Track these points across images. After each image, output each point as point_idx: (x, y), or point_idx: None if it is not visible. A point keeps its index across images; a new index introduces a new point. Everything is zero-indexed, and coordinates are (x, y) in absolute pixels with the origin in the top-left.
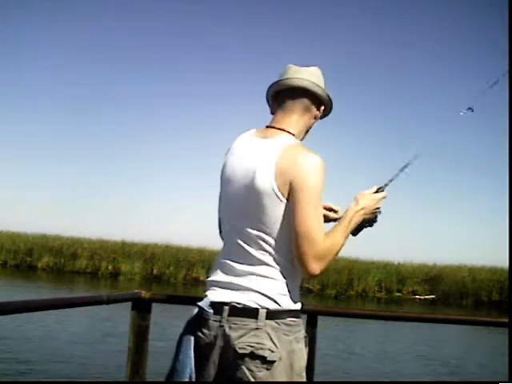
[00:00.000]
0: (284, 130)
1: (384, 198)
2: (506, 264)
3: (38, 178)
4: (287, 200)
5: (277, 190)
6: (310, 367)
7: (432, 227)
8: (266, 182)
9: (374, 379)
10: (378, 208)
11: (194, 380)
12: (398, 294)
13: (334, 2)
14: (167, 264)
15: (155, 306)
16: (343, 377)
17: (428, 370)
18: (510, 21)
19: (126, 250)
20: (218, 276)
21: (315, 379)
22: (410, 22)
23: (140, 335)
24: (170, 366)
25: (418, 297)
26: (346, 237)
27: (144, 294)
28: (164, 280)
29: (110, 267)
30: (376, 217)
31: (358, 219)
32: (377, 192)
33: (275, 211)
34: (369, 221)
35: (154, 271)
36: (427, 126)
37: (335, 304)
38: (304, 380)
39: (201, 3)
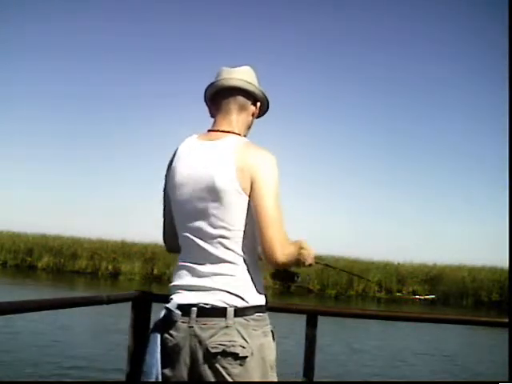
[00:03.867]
0: (229, 132)
1: (309, 263)
2: (506, 264)
3: (37, 178)
4: (248, 196)
5: (239, 187)
6: (310, 367)
7: (432, 227)
8: (228, 181)
9: (374, 379)
10: (307, 263)
11: (160, 380)
12: (398, 294)
13: (336, 2)
14: (167, 264)
15: (155, 306)
16: (343, 377)
17: (428, 370)
18: (510, 21)
19: (126, 250)
20: (181, 280)
21: (315, 379)
22: (410, 22)
23: (140, 335)
24: (139, 367)
25: (418, 297)
26: (297, 259)
27: (144, 293)
28: (164, 280)
29: (110, 267)
30: (297, 276)
31: (302, 255)
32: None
33: (238, 208)
34: (291, 276)
35: (154, 271)
36: (428, 126)
37: (335, 304)
38: (275, 372)
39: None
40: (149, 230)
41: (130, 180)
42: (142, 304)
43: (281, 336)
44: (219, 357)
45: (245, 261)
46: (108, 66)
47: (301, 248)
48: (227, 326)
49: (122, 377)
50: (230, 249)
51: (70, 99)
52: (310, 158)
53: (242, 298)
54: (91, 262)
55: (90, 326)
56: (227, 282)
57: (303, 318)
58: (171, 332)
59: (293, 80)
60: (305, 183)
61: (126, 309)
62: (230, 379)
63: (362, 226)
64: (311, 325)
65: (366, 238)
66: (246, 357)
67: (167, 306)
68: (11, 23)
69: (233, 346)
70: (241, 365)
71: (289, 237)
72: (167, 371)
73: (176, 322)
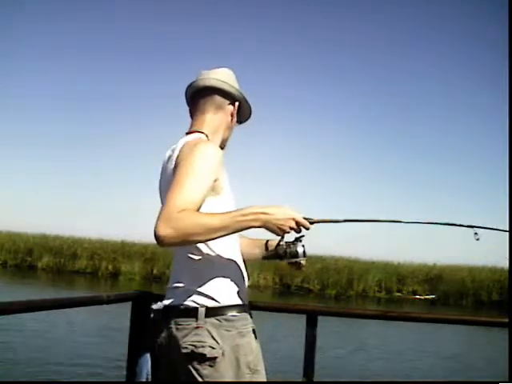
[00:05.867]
0: (196, 131)
1: (298, 222)
2: (506, 264)
3: (38, 178)
4: None
5: None
6: (310, 367)
7: (432, 227)
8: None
9: (374, 379)
10: (286, 226)
11: (149, 381)
12: (397, 293)
13: (336, 3)
14: (167, 264)
15: None
16: (344, 376)
17: (428, 370)
18: (510, 21)
19: (125, 250)
20: (169, 282)
21: (315, 379)
22: (410, 22)
23: (140, 335)
24: (129, 368)
25: (418, 297)
26: (228, 226)
27: (144, 293)
28: (164, 280)
29: (110, 267)
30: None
31: (253, 220)
32: (297, 239)
33: None
34: (289, 254)
35: (154, 271)
36: (428, 126)
37: (335, 304)
38: (261, 373)
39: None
40: (149, 230)
41: (131, 180)
42: (142, 304)
43: (281, 336)
44: (190, 357)
45: (218, 260)
46: (107, 64)
47: (263, 213)
48: (198, 327)
49: (121, 377)
50: (201, 249)
51: (70, 99)
52: (310, 158)
53: (213, 299)
54: (91, 262)
55: (90, 325)
56: (199, 282)
57: (303, 317)
58: (156, 333)
59: (291, 80)
60: (305, 183)
61: (126, 309)
62: (200, 380)
63: (362, 226)
64: (311, 325)
65: (366, 238)
66: (216, 357)
67: (153, 307)
68: (11, 23)
69: (202, 346)
70: (210, 366)
71: (192, 209)
72: (155, 372)
73: (159, 323)
